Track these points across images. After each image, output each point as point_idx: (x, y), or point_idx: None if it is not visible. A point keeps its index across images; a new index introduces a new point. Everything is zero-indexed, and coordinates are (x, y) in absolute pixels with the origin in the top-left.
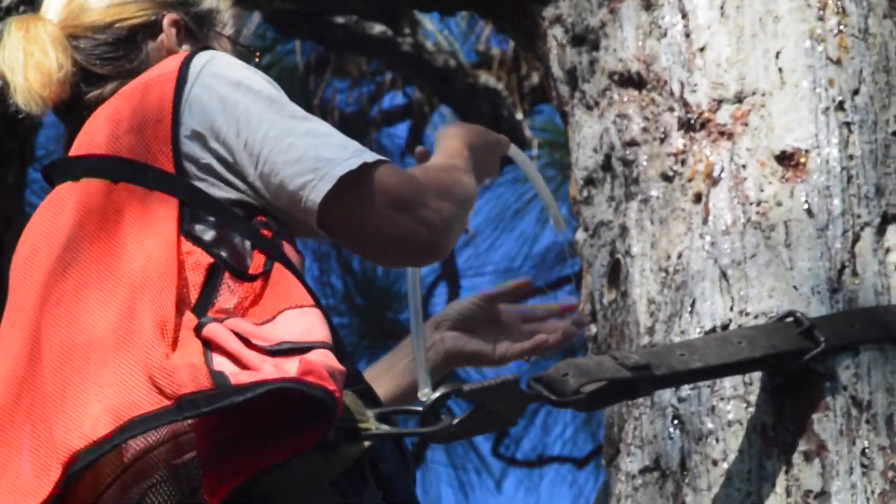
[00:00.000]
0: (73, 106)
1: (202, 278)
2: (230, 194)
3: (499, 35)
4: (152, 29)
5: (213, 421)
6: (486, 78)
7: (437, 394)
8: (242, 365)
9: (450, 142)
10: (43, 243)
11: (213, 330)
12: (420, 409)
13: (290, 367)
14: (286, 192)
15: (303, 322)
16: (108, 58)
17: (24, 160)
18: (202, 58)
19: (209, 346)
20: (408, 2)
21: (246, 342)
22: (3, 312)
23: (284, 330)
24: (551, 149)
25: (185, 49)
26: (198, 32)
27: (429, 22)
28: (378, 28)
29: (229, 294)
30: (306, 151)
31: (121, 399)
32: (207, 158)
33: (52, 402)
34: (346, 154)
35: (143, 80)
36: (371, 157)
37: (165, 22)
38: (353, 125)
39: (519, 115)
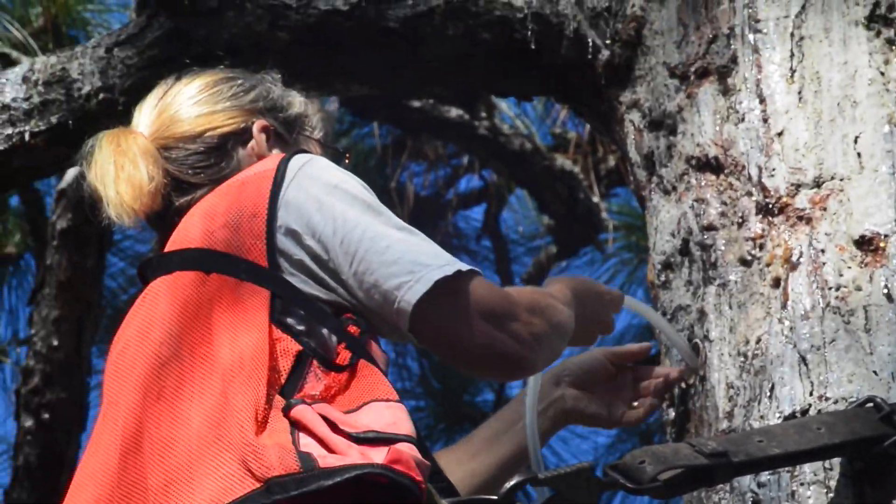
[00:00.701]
0: (165, 214)
1: (290, 364)
2: (320, 293)
3: (575, 118)
4: (242, 136)
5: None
6: (562, 161)
7: (513, 482)
8: (329, 449)
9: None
10: (136, 339)
11: (301, 412)
12: (496, 497)
13: (375, 456)
14: (380, 291)
15: (389, 415)
16: (199, 166)
17: (102, 245)
18: (299, 160)
19: (296, 426)
20: (484, 86)
21: (333, 427)
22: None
23: (371, 420)
24: (628, 232)
25: (277, 153)
26: (287, 137)
27: (505, 105)
28: (455, 112)
29: (316, 381)
30: (403, 255)
31: (217, 486)
32: (301, 255)
33: (154, 497)
34: (441, 261)
35: (239, 178)
36: (465, 266)
37: (255, 129)
38: (430, 208)
39: (595, 198)
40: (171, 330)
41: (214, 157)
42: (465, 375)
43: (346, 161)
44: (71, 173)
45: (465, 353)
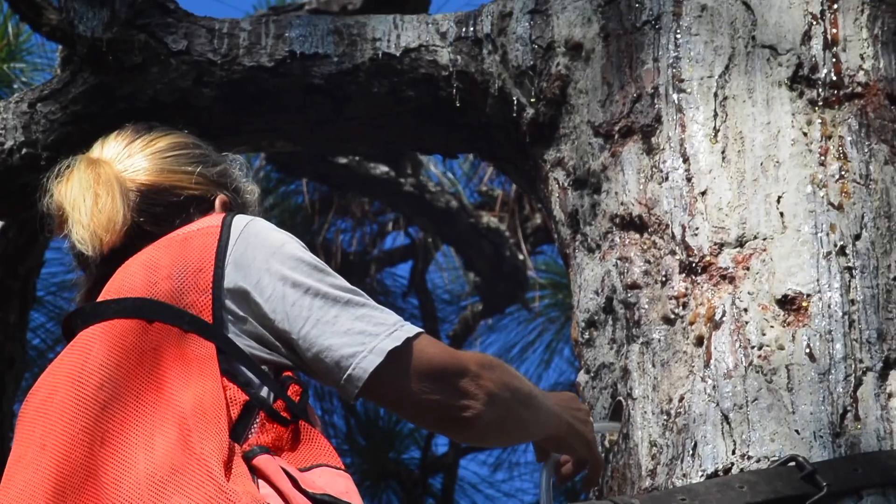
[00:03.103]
0: (113, 257)
1: (238, 412)
2: (262, 352)
3: (502, 176)
4: (203, 204)
5: None
6: (488, 218)
7: None
8: None
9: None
10: (66, 384)
11: (264, 462)
12: None
13: None
14: (332, 357)
15: (342, 483)
16: (161, 218)
17: (25, 301)
18: (242, 219)
19: (256, 474)
20: (410, 143)
21: (294, 483)
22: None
23: (324, 483)
24: (554, 290)
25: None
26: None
27: (431, 163)
28: (381, 169)
29: (262, 433)
30: (353, 325)
31: None
32: (245, 314)
33: None
34: (389, 328)
35: (181, 233)
36: (412, 330)
37: (218, 201)
38: (356, 265)
39: (521, 256)
40: (110, 375)
41: (174, 215)
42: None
43: None
44: None
45: (418, 412)
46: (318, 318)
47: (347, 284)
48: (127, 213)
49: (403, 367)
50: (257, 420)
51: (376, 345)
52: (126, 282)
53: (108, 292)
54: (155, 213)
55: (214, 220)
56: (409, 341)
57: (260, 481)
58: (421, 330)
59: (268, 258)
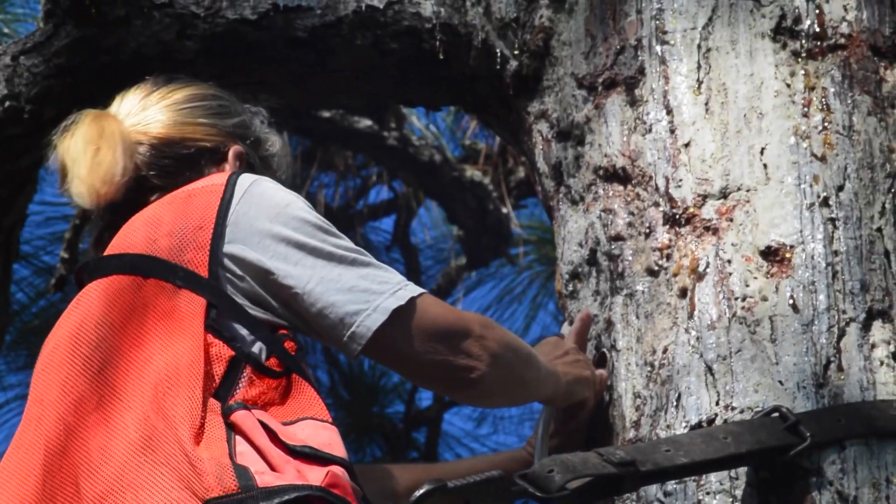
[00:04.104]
0: (120, 208)
1: (224, 369)
2: (256, 311)
3: (485, 130)
4: (216, 155)
5: None
6: (472, 172)
7: (423, 490)
8: (266, 460)
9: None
10: (68, 340)
11: (241, 417)
12: None
13: (310, 475)
14: (336, 313)
15: (325, 435)
16: (168, 171)
17: (8, 254)
18: (248, 177)
19: (234, 430)
20: (393, 96)
21: (272, 436)
22: None
23: (307, 436)
24: (539, 244)
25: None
26: (258, 170)
27: (415, 117)
28: (364, 122)
29: (250, 386)
30: (357, 282)
31: (153, 503)
32: (244, 272)
33: None
34: (393, 287)
35: (186, 190)
36: (415, 290)
37: (231, 152)
38: (340, 219)
39: (505, 210)
40: (105, 335)
41: (185, 167)
42: (429, 390)
43: None
44: None
45: (421, 371)
46: (322, 275)
47: (352, 244)
48: (129, 166)
49: (407, 326)
50: (244, 375)
51: (380, 303)
52: (128, 237)
53: (112, 247)
54: (164, 165)
55: (219, 178)
56: (412, 301)
57: (238, 438)
58: (424, 290)
59: (271, 218)
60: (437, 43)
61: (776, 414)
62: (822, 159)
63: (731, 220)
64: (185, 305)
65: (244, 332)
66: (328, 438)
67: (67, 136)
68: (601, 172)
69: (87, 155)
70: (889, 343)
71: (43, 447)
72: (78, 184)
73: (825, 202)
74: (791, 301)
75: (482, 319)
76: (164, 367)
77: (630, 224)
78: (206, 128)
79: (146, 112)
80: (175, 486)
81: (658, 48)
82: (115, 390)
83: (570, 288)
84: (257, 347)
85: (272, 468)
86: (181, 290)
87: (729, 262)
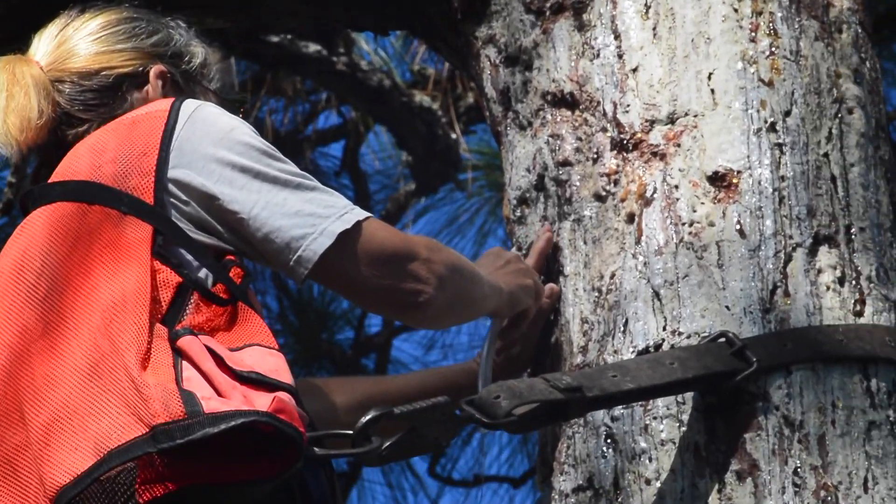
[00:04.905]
0: (49, 145)
1: (171, 295)
2: (202, 237)
3: (434, 56)
4: (138, 79)
5: None
6: (421, 97)
7: (368, 417)
8: (213, 386)
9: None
10: (12, 269)
11: (188, 343)
12: (350, 432)
13: (257, 401)
14: (282, 238)
15: (272, 361)
16: (91, 104)
17: None
18: (192, 103)
19: (181, 356)
20: (342, 21)
21: (219, 362)
22: None
23: (254, 362)
24: (487, 170)
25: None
26: (184, 86)
27: (364, 41)
28: (313, 47)
29: (197, 313)
30: (302, 206)
31: (100, 429)
32: (188, 197)
33: (35, 432)
34: (339, 210)
35: (129, 116)
36: (361, 213)
37: (152, 73)
38: (289, 144)
39: (454, 135)
40: (50, 261)
41: (107, 97)
42: (377, 314)
43: (241, 113)
44: None
45: (369, 296)
46: (267, 200)
47: (297, 169)
48: (45, 107)
49: (353, 250)
50: (191, 301)
51: (326, 227)
52: (72, 165)
53: (57, 174)
54: (85, 99)
55: (163, 104)
56: (358, 224)
57: (184, 363)
58: (370, 214)
59: (216, 143)
60: None
61: (723, 339)
62: (770, 84)
63: (679, 145)
64: (132, 232)
65: (190, 258)
66: (274, 365)
67: None
68: (549, 98)
69: (2, 104)
70: (835, 268)
71: None
72: None
73: (772, 127)
74: (738, 226)
75: (428, 242)
76: (112, 293)
77: (578, 150)
78: (123, 53)
79: (61, 48)
80: (122, 411)
81: None
82: (62, 317)
83: (518, 213)
84: (203, 273)
85: (219, 394)
86: (127, 217)
87: (676, 187)
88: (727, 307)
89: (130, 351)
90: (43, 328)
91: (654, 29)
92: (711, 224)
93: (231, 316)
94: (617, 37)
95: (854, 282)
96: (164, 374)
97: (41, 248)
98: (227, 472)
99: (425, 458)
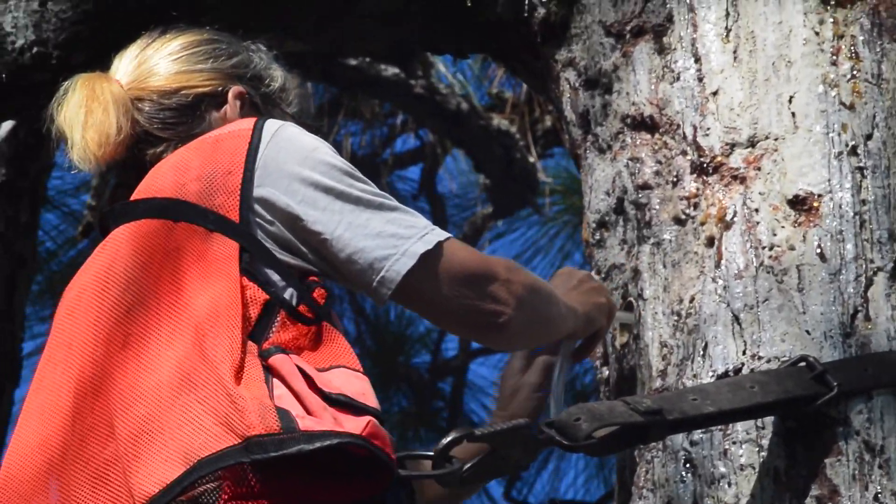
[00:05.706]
0: (128, 164)
1: (258, 312)
2: (286, 257)
3: (512, 78)
4: (217, 99)
5: None
6: (498, 121)
7: (449, 438)
8: (304, 406)
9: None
10: (96, 283)
11: (280, 361)
12: (431, 453)
13: (346, 423)
14: (366, 259)
15: (359, 385)
16: (169, 122)
17: (35, 200)
18: (274, 123)
19: (271, 373)
20: (421, 44)
21: (309, 382)
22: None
23: (341, 384)
24: (564, 194)
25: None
26: (262, 108)
27: (442, 65)
28: (391, 70)
29: (284, 331)
30: (384, 227)
31: (190, 440)
32: (273, 216)
33: (124, 445)
34: (420, 231)
35: (212, 135)
36: (442, 234)
37: (231, 94)
38: (366, 168)
39: (532, 158)
40: (135, 276)
41: (185, 116)
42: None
43: None
44: (5, 127)
45: (449, 316)
46: (350, 221)
47: (377, 189)
48: (124, 124)
49: (435, 270)
50: (277, 319)
51: (408, 248)
52: (156, 182)
53: (140, 192)
54: (164, 118)
55: (246, 123)
56: (440, 245)
57: (275, 381)
58: (450, 235)
59: (299, 163)
60: None
61: (803, 363)
62: (851, 108)
63: (759, 168)
64: (219, 248)
65: (276, 277)
66: (361, 388)
67: (63, 104)
68: (629, 121)
69: (80, 118)
70: None
71: (73, 388)
72: (76, 149)
73: (853, 151)
74: (818, 250)
75: (507, 263)
76: (203, 308)
77: (657, 173)
78: (202, 73)
79: (142, 67)
80: (213, 422)
81: None
82: (147, 330)
83: (597, 237)
84: (288, 293)
85: (309, 413)
86: (213, 234)
87: (756, 210)
88: (807, 331)
89: (224, 364)
90: (126, 341)
91: (734, 52)
92: (792, 248)
93: (316, 336)
94: (697, 60)
95: None
96: (257, 390)
97: (125, 263)
98: (321, 492)
99: (501, 482)
